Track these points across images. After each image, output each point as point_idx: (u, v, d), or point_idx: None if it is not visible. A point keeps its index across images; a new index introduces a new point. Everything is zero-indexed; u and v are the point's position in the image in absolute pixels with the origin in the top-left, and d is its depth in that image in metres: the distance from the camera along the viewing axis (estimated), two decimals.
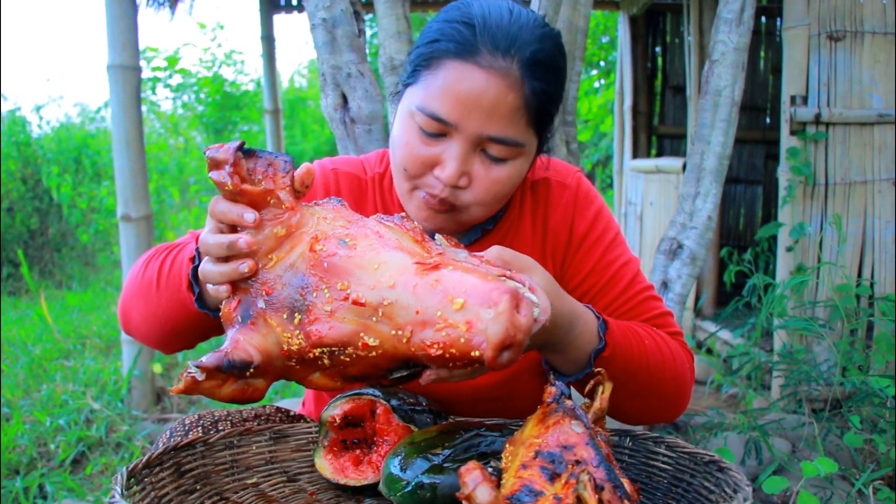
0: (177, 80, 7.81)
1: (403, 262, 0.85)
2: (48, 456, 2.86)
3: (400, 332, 0.83)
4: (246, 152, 0.90)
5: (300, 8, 5.42)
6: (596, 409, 0.97)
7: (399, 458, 0.99)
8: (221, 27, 8.00)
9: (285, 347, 0.88)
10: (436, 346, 0.81)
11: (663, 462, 1.03)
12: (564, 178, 1.28)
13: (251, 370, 0.87)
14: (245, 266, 0.88)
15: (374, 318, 0.84)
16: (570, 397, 0.92)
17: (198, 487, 1.02)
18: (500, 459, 0.90)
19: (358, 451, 1.11)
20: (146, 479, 0.94)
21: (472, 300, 0.80)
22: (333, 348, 0.86)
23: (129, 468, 0.91)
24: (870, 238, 3.08)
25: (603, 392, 0.98)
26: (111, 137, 3.34)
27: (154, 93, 7.85)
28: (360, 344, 0.85)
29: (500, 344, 0.76)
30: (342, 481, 1.08)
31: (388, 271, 0.85)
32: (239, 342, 0.87)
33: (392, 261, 0.85)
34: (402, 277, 0.84)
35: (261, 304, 0.89)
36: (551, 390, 0.92)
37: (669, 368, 1.15)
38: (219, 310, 0.92)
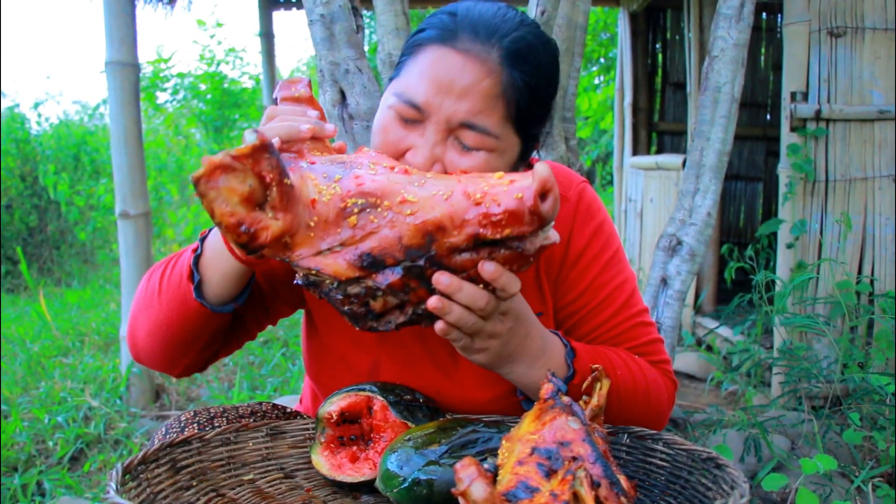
0: (175, 80, 7.82)
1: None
2: (46, 453, 2.86)
3: (441, 192, 0.88)
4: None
5: (299, 4, 5.41)
6: (593, 405, 0.97)
7: (396, 454, 0.99)
8: (221, 25, 7.99)
9: (316, 197, 0.88)
10: (478, 194, 0.86)
11: (661, 459, 1.02)
12: (566, 190, 1.24)
13: (288, 181, 0.83)
14: (306, 126, 0.95)
15: (416, 183, 0.89)
16: (567, 394, 0.92)
17: (194, 484, 1.01)
18: (496, 456, 0.90)
19: (355, 448, 1.11)
20: (142, 476, 0.94)
21: (511, 174, 0.89)
22: (369, 199, 0.88)
23: (125, 464, 0.91)
24: (870, 235, 3.07)
25: (601, 389, 0.98)
26: (110, 135, 3.34)
27: (153, 91, 7.84)
28: (398, 199, 0.87)
29: (542, 186, 0.82)
30: (339, 478, 1.07)
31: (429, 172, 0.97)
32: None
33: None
34: (443, 179, 0.93)
35: (303, 164, 0.91)
36: (548, 386, 0.92)
37: (642, 400, 1.15)
38: (216, 304, 0.90)
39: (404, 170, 0.93)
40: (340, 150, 1.02)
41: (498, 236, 0.85)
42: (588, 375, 1.07)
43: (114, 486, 0.85)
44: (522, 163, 1.15)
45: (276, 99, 1.00)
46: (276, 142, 0.90)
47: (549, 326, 1.20)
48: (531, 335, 1.04)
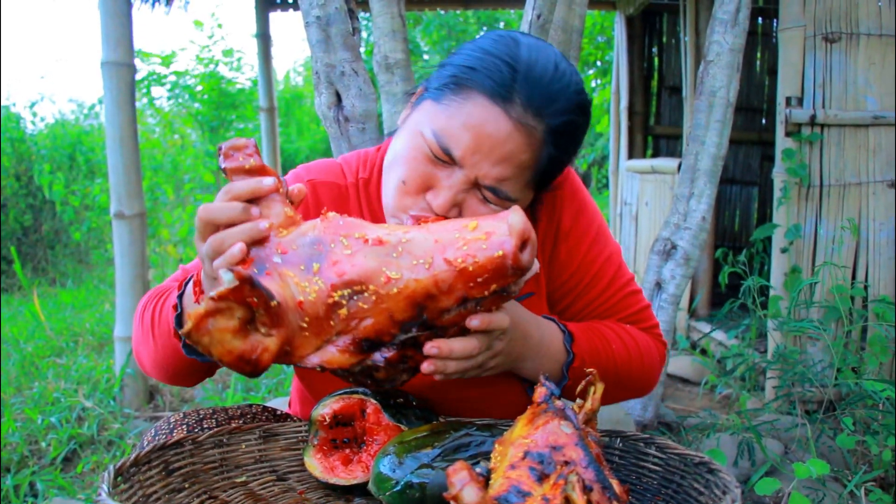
0: (171, 79, 7.79)
1: (406, 227, 0.94)
2: (39, 454, 2.85)
3: (422, 261, 0.87)
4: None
5: (296, 6, 5.41)
6: (587, 409, 0.97)
7: (388, 457, 0.99)
8: (220, 26, 7.97)
9: (301, 298, 0.87)
10: (459, 259, 0.86)
11: (653, 463, 1.02)
12: None
13: (274, 303, 0.83)
14: (265, 223, 0.89)
15: (394, 254, 0.89)
16: (560, 398, 0.92)
17: (186, 486, 1.01)
18: (489, 459, 0.90)
19: (347, 451, 1.11)
20: (134, 478, 0.94)
21: (485, 222, 0.90)
22: (354, 287, 0.87)
23: (117, 466, 0.91)
24: (864, 240, 3.08)
25: (595, 393, 0.98)
26: (105, 135, 3.33)
27: (149, 91, 7.82)
28: (382, 279, 0.87)
29: (521, 238, 0.85)
30: (332, 480, 1.07)
31: (399, 229, 0.92)
32: (258, 279, 0.85)
33: (398, 227, 0.94)
34: (412, 229, 0.91)
35: (276, 259, 0.89)
36: (541, 390, 0.92)
37: (636, 367, 1.23)
38: (206, 357, 0.86)
39: (377, 239, 0.90)
40: (300, 194, 0.97)
41: (485, 293, 0.89)
42: (587, 356, 1.15)
43: (106, 488, 0.85)
44: (531, 206, 1.19)
45: (223, 170, 0.92)
46: (239, 247, 0.88)
47: (542, 307, 1.26)
48: (529, 333, 1.09)
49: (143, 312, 1.15)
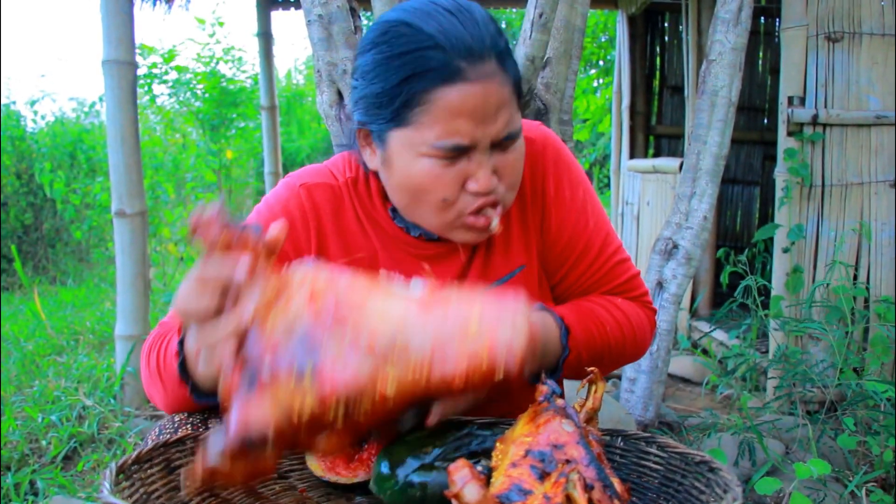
0: (173, 76, 7.79)
1: (405, 304, 0.85)
2: (40, 452, 2.85)
3: (417, 371, 0.82)
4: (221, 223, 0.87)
5: (297, 4, 5.40)
6: (588, 408, 0.97)
7: (390, 456, 0.99)
8: (221, 24, 7.96)
9: (297, 409, 0.83)
10: (458, 377, 0.81)
11: (654, 462, 1.02)
12: (529, 132, 1.26)
13: (269, 445, 0.83)
14: (248, 314, 0.84)
15: (389, 361, 0.82)
16: (561, 396, 0.91)
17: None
18: (491, 458, 0.89)
19: (349, 449, 1.10)
20: (136, 476, 0.93)
21: (486, 319, 0.83)
22: (348, 401, 0.82)
23: (119, 464, 0.90)
24: (866, 239, 3.08)
25: (596, 391, 0.98)
26: (106, 133, 3.33)
27: (150, 89, 7.82)
28: (377, 391, 0.82)
29: (523, 357, 0.82)
30: (333, 479, 1.07)
31: (394, 314, 0.84)
32: (250, 413, 0.82)
33: (394, 305, 0.85)
34: (408, 318, 0.83)
35: (265, 370, 0.83)
36: (543, 389, 0.92)
37: (629, 342, 1.24)
38: (217, 394, 0.87)
39: (370, 345, 0.83)
40: (279, 241, 0.90)
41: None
42: (583, 347, 1.15)
43: (108, 485, 0.84)
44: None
45: (196, 237, 0.86)
46: (228, 359, 0.84)
47: (533, 280, 1.26)
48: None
49: (149, 356, 1.13)
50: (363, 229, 1.25)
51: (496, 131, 1.07)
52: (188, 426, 1.17)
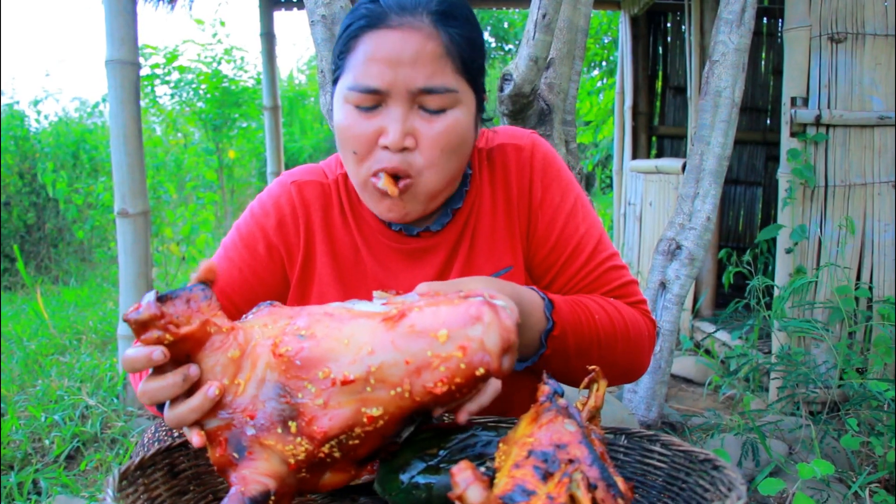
0: (175, 76, 7.79)
1: (369, 325, 0.83)
2: (43, 451, 2.85)
3: (399, 390, 0.81)
4: (162, 298, 0.83)
5: (300, 4, 5.41)
6: (591, 406, 0.96)
7: (394, 457, 0.98)
8: (223, 24, 7.97)
9: (292, 461, 0.84)
10: (440, 384, 0.80)
11: (658, 460, 1.02)
12: (518, 140, 1.28)
13: (273, 497, 0.83)
14: (213, 390, 0.82)
15: (368, 389, 0.82)
16: (563, 395, 0.91)
17: (191, 488, 1.01)
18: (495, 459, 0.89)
19: None
20: (139, 481, 0.93)
21: (455, 326, 0.80)
22: (340, 437, 0.83)
23: (122, 470, 0.90)
24: (869, 240, 3.08)
25: (598, 390, 0.97)
26: (109, 133, 3.33)
27: (153, 90, 7.82)
28: (365, 420, 0.82)
29: (501, 350, 0.79)
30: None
31: (360, 340, 0.83)
32: (247, 477, 0.83)
33: (357, 330, 0.83)
34: (376, 340, 0.82)
35: (249, 431, 0.84)
36: (544, 389, 0.91)
37: (622, 340, 1.18)
38: None
39: (344, 378, 0.82)
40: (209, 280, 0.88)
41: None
42: (568, 326, 1.10)
43: (111, 492, 0.84)
44: (480, 115, 1.21)
45: (146, 339, 0.82)
46: (198, 441, 0.83)
47: (520, 279, 1.24)
48: None
49: (133, 378, 1.16)
50: (347, 224, 1.27)
51: (410, 79, 1.07)
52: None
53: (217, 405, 0.84)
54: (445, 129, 1.10)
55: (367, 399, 0.82)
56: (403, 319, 0.82)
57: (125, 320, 0.81)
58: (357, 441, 0.84)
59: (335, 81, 1.16)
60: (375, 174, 1.12)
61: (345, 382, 0.81)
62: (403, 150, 1.10)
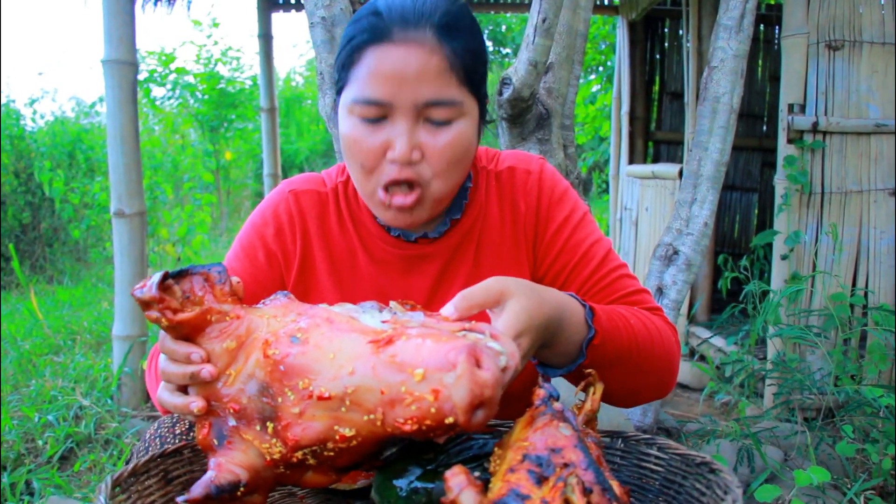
0: (172, 78, 7.79)
1: (357, 344, 0.83)
2: (36, 452, 2.84)
3: (372, 416, 0.80)
4: (177, 274, 0.88)
5: (298, 6, 5.41)
6: (587, 410, 0.96)
7: (392, 463, 0.98)
8: (216, 24, 7.97)
9: (268, 458, 0.86)
10: (409, 422, 0.78)
11: (654, 464, 1.01)
12: (528, 164, 1.31)
13: (242, 488, 0.85)
14: (207, 370, 0.86)
15: (343, 409, 0.82)
16: (558, 399, 0.91)
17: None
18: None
19: None
20: (132, 488, 0.93)
21: (432, 367, 0.77)
22: (314, 448, 0.84)
23: (115, 477, 0.90)
24: (865, 248, 3.08)
25: (594, 393, 0.97)
26: (106, 133, 3.32)
27: (150, 90, 7.82)
28: (337, 437, 0.82)
29: (468, 407, 0.74)
30: (332, 485, 1.06)
31: (344, 357, 0.82)
32: (222, 465, 0.86)
33: (346, 346, 0.83)
34: (359, 361, 0.81)
35: (232, 421, 0.87)
36: (540, 392, 0.91)
37: (658, 345, 1.16)
38: None
39: (321, 394, 0.82)
40: (238, 288, 0.93)
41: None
42: (608, 335, 1.07)
43: (103, 499, 0.84)
44: (483, 121, 1.22)
45: (149, 316, 0.87)
46: (196, 405, 0.88)
47: None
48: (551, 318, 0.99)
49: (151, 360, 1.18)
50: (345, 230, 1.29)
51: (416, 94, 1.08)
52: (186, 421, 1.18)
53: (207, 391, 0.87)
54: (451, 140, 1.12)
55: (341, 418, 0.82)
56: (389, 346, 0.80)
57: (131, 295, 0.87)
58: (332, 453, 0.85)
59: (339, 92, 1.17)
60: (385, 187, 1.13)
61: (320, 398, 0.82)
62: (410, 162, 1.11)
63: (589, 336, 1.06)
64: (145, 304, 0.86)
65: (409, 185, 1.12)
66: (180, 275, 0.88)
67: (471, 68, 1.12)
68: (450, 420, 0.76)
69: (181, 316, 0.86)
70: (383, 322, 0.87)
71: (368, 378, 0.80)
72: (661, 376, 1.20)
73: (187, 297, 0.88)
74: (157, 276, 0.85)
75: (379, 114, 1.10)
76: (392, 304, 0.91)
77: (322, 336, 0.85)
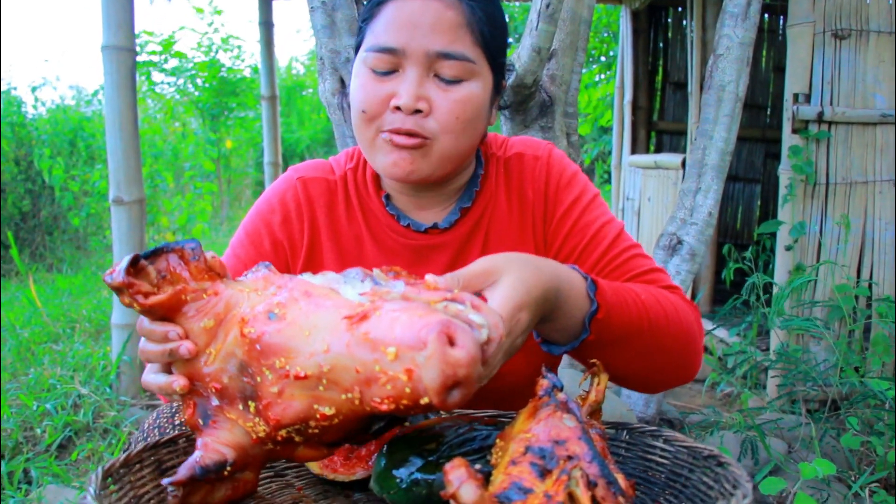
0: (173, 63, 7.75)
1: (333, 319, 0.80)
2: (34, 440, 2.83)
3: (350, 395, 0.78)
4: (151, 254, 0.85)
5: None
6: (591, 401, 0.94)
7: (391, 454, 0.96)
8: (219, 12, 7.93)
9: (254, 436, 0.85)
10: (386, 401, 0.76)
11: (661, 456, 0.99)
12: (536, 150, 1.28)
13: (229, 468, 0.84)
14: (185, 347, 0.84)
15: (320, 388, 0.79)
16: (562, 389, 0.89)
17: None
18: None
19: (346, 445, 1.08)
20: (125, 479, 0.91)
21: (404, 345, 0.73)
22: (296, 426, 0.83)
23: (106, 468, 0.87)
24: (869, 239, 3.06)
25: (599, 384, 0.95)
26: (105, 119, 3.30)
27: (150, 77, 7.79)
28: (318, 416, 0.81)
29: (440, 388, 0.71)
30: (330, 476, 1.04)
31: (320, 335, 0.79)
32: (208, 444, 0.85)
33: (322, 322, 0.80)
34: (333, 338, 0.78)
35: (215, 401, 0.86)
36: (543, 383, 0.89)
37: (673, 322, 1.09)
38: None
39: (297, 374, 0.80)
40: (214, 267, 0.89)
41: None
42: (613, 309, 1.02)
43: (92, 490, 0.82)
44: (497, 98, 1.21)
45: (122, 301, 0.85)
46: (179, 384, 0.86)
47: None
48: (549, 289, 0.94)
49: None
50: (353, 219, 1.27)
51: (428, 43, 1.07)
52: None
53: (190, 370, 0.86)
54: (461, 98, 1.09)
55: (320, 397, 0.80)
56: (363, 322, 0.77)
57: (104, 279, 0.84)
58: (317, 431, 0.83)
59: (356, 49, 1.16)
60: (392, 131, 1.10)
61: (297, 378, 0.80)
62: (416, 113, 1.08)
63: (592, 310, 1.00)
64: (117, 290, 0.84)
65: (412, 136, 1.09)
66: (154, 254, 0.86)
67: (487, 31, 1.11)
68: (425, 400, 0.73)
69: (153, 299, 0.84)
70: (361, 294, 0.83)
71: (343, 356, 0.77)
72: (681, 356, 1.13)
73: (164, 276, 0.86)
74: (125, 261, 0.83)
75: (390, 65, 1.09)
76: (375, 271, 0.87)
77: (299, 311, 0.82)
